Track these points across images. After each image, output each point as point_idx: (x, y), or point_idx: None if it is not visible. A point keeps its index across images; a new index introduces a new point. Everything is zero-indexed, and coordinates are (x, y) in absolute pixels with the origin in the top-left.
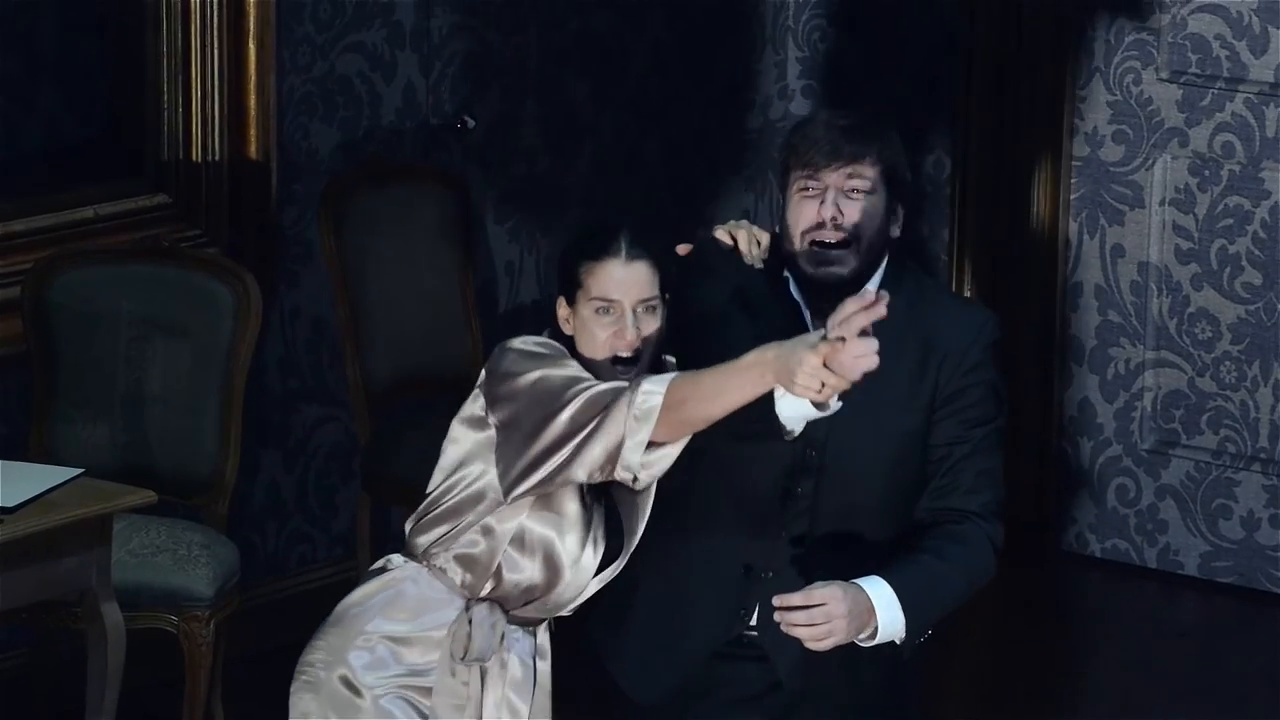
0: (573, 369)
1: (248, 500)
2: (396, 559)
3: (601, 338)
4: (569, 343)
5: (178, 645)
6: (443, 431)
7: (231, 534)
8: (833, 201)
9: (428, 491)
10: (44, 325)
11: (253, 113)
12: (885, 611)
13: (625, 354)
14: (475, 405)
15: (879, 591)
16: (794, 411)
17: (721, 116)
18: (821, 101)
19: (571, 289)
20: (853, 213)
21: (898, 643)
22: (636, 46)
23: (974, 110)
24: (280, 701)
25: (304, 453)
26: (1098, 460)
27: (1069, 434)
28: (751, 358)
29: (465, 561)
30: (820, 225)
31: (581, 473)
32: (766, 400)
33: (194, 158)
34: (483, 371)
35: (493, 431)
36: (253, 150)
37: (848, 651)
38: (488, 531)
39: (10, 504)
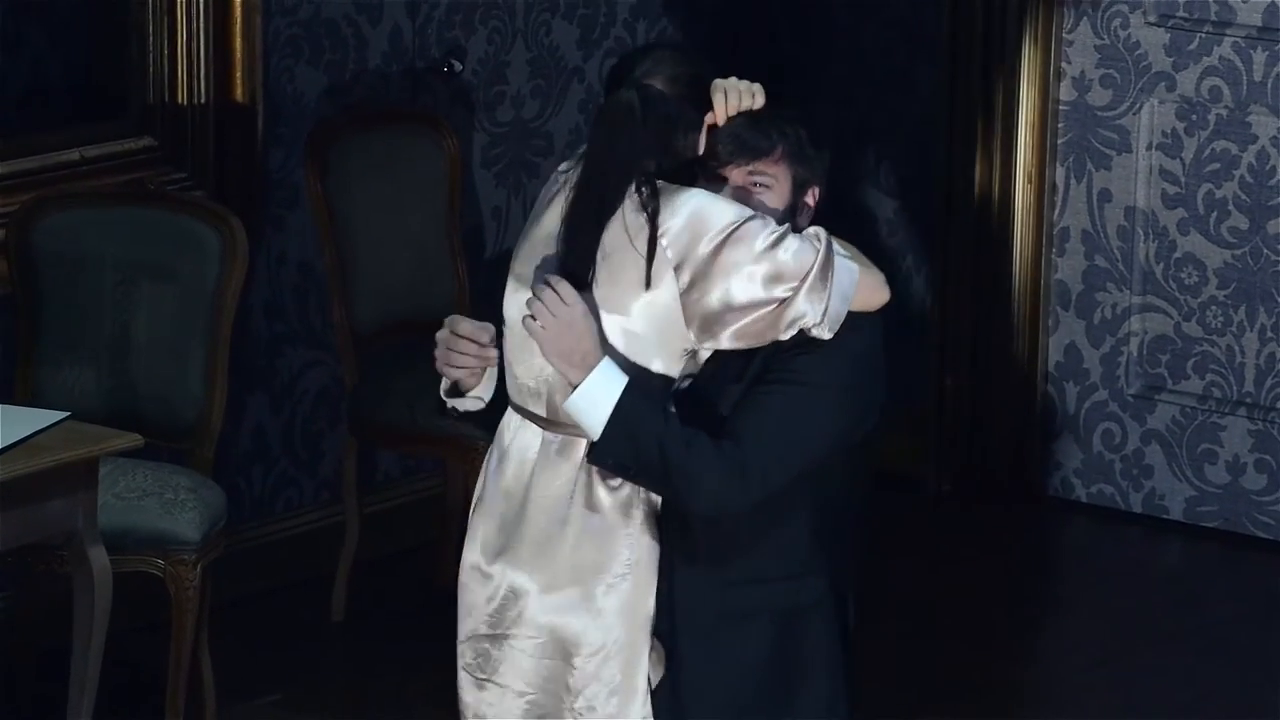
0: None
1: (234, 444)
2: None
3: None
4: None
5: (164, 589)
6: (429, 376)
7: (218, 478)
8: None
9: None
10: (29, 268)
11: (238, 55)
12: (598, 387)
13: None
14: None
15: (609, 375)
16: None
17: (709, 60)
18: (810, 44)
19: (709, 106)
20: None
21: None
22: None
23: (961, 54)
24: (266, 646)
25: (290, 397)
26: (1084, 405)
27: (1055, 379)
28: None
29: None
30: None
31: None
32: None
33: (179, 101)
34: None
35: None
36: (238, 93)
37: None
38: None
39: None
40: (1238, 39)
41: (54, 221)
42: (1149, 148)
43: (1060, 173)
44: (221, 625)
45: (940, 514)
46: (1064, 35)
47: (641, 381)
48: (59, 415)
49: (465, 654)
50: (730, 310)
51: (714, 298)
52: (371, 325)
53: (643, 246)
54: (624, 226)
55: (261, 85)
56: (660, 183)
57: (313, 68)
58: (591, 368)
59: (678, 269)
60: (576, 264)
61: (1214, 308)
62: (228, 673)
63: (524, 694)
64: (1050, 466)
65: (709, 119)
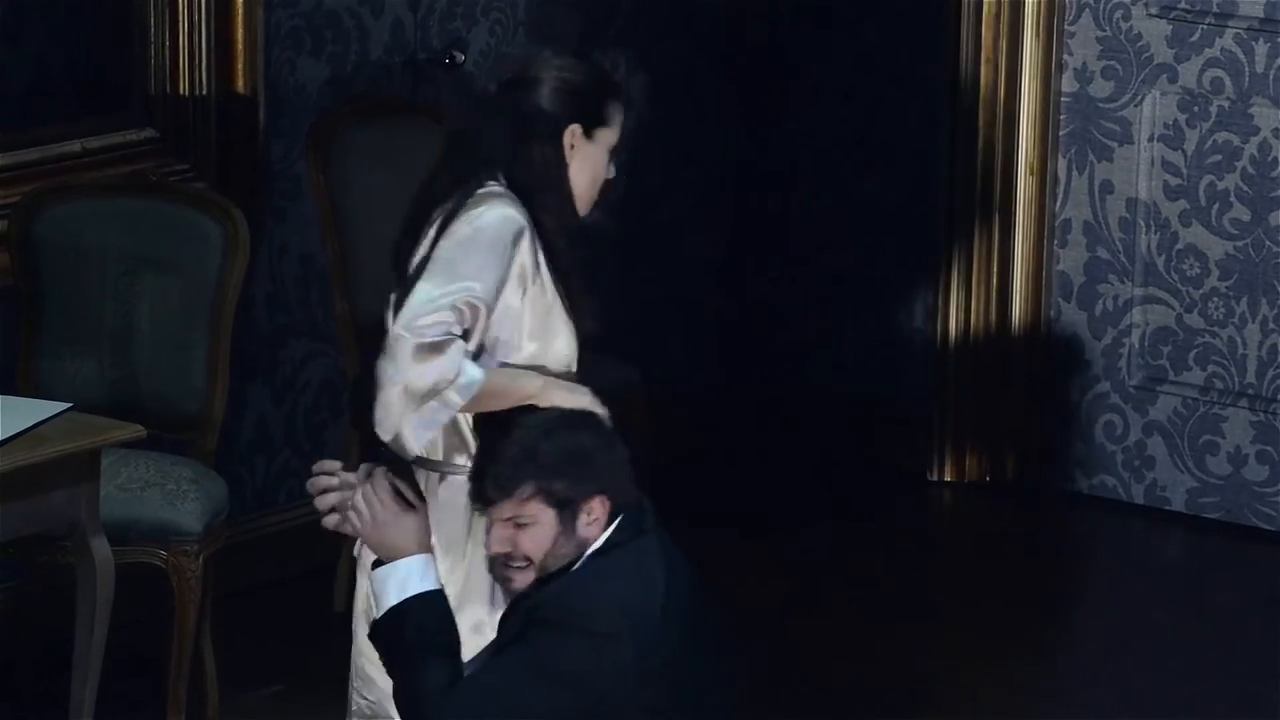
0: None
1: (236, 435)
2: None
3: (599, 178)
4: (564, 168)
5: (166, 580)
6: None
7: (220, 469)
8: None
9: None
10: (31, 260)
11: (240, 47)
12: (393, 577)
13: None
14: None
15: (409, 573)
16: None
17: (710, 54)
18: (812, 38)
19: (596, 121)
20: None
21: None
22: None
23: (964, 46)
24: (268, 636)
25: (292, 388)
26: (1085, 397)
27: (1056, 370)
28: (534, 376)
29: None
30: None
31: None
32: None
33: (181, 92)
34: None
35: None
36: (240, 84)
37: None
38: None
39: None
40: (1240, 31)
41: (56, 213)
42: (1151, 139)
43: (1062, 164)
44: (224, 616)
45: (940, 506)
46: (1066, 27)
47: (437, 600)
48: (61, 406)
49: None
50: None
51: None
52: (373, 317)
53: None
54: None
55: (263, 76)
56: (496, 188)
57: (314, 59)
58: (397, 557)
59: None
60: (400, 254)
61: (1216, 299)
62: (230, 663)
63: None
64: (1052, 458)
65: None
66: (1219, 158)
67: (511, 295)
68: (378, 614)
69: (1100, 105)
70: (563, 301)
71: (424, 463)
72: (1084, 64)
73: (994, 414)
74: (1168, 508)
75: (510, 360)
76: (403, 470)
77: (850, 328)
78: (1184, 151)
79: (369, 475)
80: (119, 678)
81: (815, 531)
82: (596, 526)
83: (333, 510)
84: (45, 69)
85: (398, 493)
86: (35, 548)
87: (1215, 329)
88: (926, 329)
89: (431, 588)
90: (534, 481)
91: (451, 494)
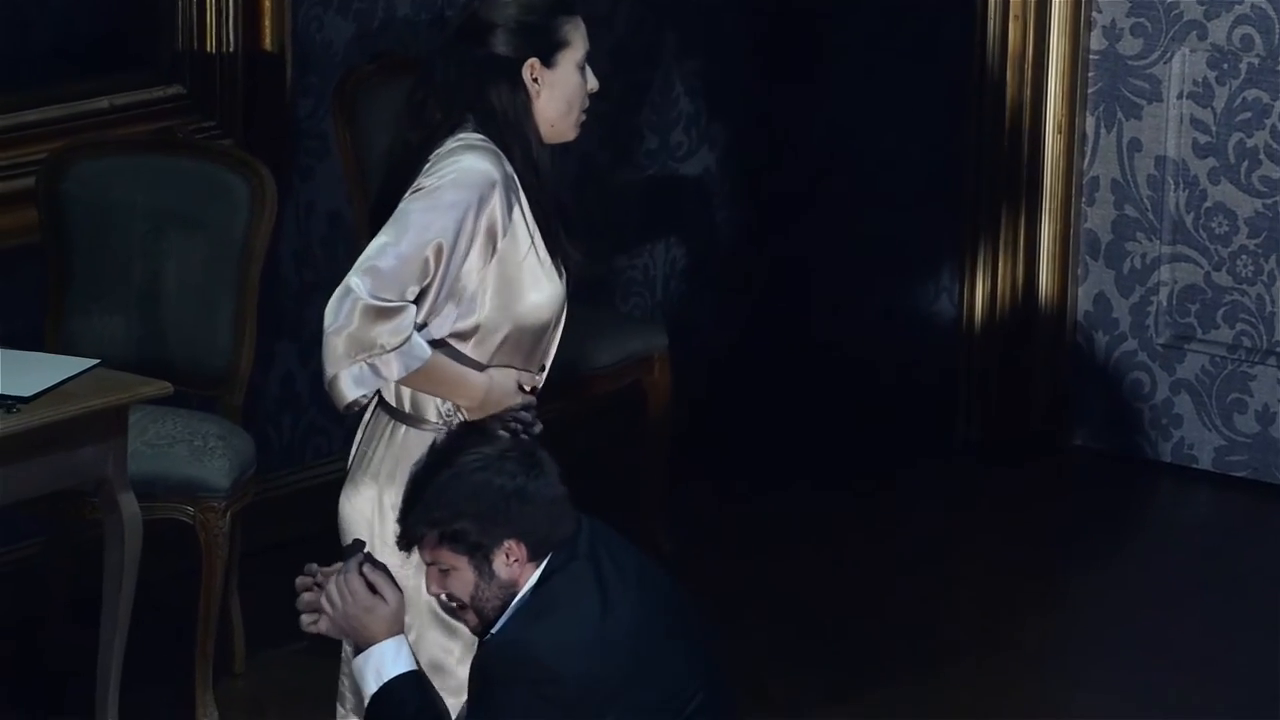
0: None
1: (263, 393)
2: None
3: (577, 98)
4: (525, 109)
5: (194, 536)
6: None
7: (247, 426)
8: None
9: None
10: (58, 216)
11: (267, 4)
12: (370, 665)
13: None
14: None
15: (383, 658)
16: None
17: (738, 11)
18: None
19: (552, 48)
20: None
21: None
22: None
23: (992, 4)
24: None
25: (319, 346)
26: (1113, 355)
27: (1084, 328)
28: (477, 380)
29: None
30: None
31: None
32: None
33: (208, 49)
34: None
35: None
36: (267, 42)
37: None
38: None
39: (26, 394)
40: None
41: (83, 170)
42: (1180, 97)
43: (1090, 122)
44: (251, 572)
45: (968, 464)
46: None
47: (413, 680)
48: (89, 362)
49: None
50: None
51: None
52: None
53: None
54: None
55: (290, 34)
56: (469, 138)
57: (341, 16)
58: (369, 646)
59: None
60: (375, 218)
61: (1244, 257)
62: (257, 619)
63: None
64: (1079, 416)
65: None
66: (1248, 115)
67: (479, 251)
68: (365, 700)
69: (1129, 63)
70: (546, 246)
71: (393, 412)
72: (1113, 21)
73: (1021, 372)
74: (1195, 466)
75: (467, 320)
76: (376, 561)
77: (877, 286)
78: (1213, 109)
79: (343, 570)
80: (147, 633)
81: (839, 490)
82: (518, 567)
83: (312, 611)
84: (72, 26)
85: (369, 584)
86: (63, 504)
87: (1244, 287)
88: (953, 287)
89: (406, 669)
90: (436, 530)
91: (421, 446)
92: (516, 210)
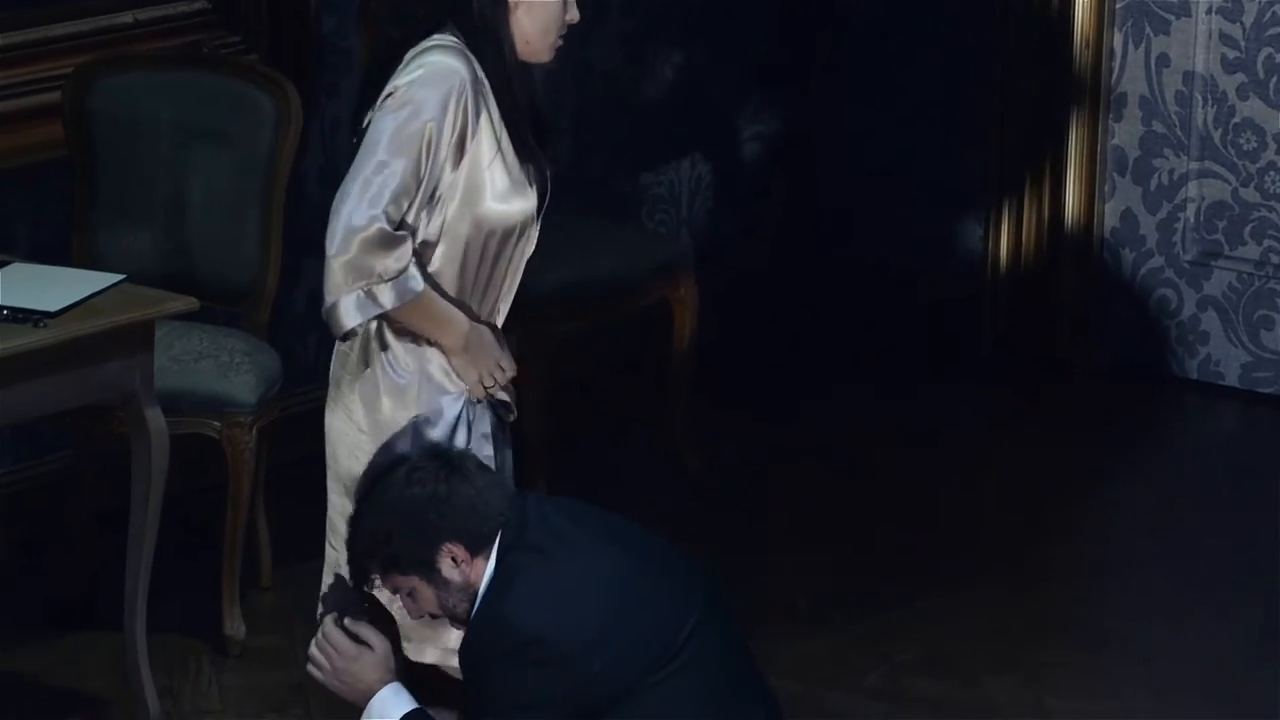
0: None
1: (288, 309)
2: None
3: (554, 23)
4: (502, 18)
5: (220, 451)
6: None
7: (273, 342)
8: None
9: None
10: (84, 131)
11: None
12: (389, 709)
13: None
14: None
15: (386, 704)
16: None
17: None
18: None
19: None
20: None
21: None
22: None
23: None
24: (322, 508)
25: None
26: (1139, 271)
27: (1111, 245)
28: (464, 323)
29: None
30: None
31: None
32: None
33: None
34: None
35: None
36: None
37: None
38: None
39: (53, 309)
40: None
41: (108, 84)
42: (1209, 11)
43: (1118, 38)
44: (278, 488)
45: (993, 380)
46: None
47: (422, 714)
48: (115, 277)
49: None
50: None
51: None
52: None
53: None
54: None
55: None
56: (443, 39)
57: None
58: (368, 697)
59: None
60: (357, 120)
61: (1272, 173)
62: (284, 534)
63: None
64: (1105, 333)
65: None
66: (1278, 30)
67: (453, 152)
68: None
69: None
70: (516, 153)
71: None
72: None
73: (1047, 289)
74: (1221, 383)
75: (434, 221)
76: (352, 609)
77: (903, 203)
78: (1242, 24)
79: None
80: (174, 548)
81: (863, 407)
82: (467, 566)
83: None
84: None
85: (351, 635)
86: (90, 419)
87: (1272, 203)
88: (980, 204)
89: (409, 709)
90: (375, 561)
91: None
92: (485, 115)
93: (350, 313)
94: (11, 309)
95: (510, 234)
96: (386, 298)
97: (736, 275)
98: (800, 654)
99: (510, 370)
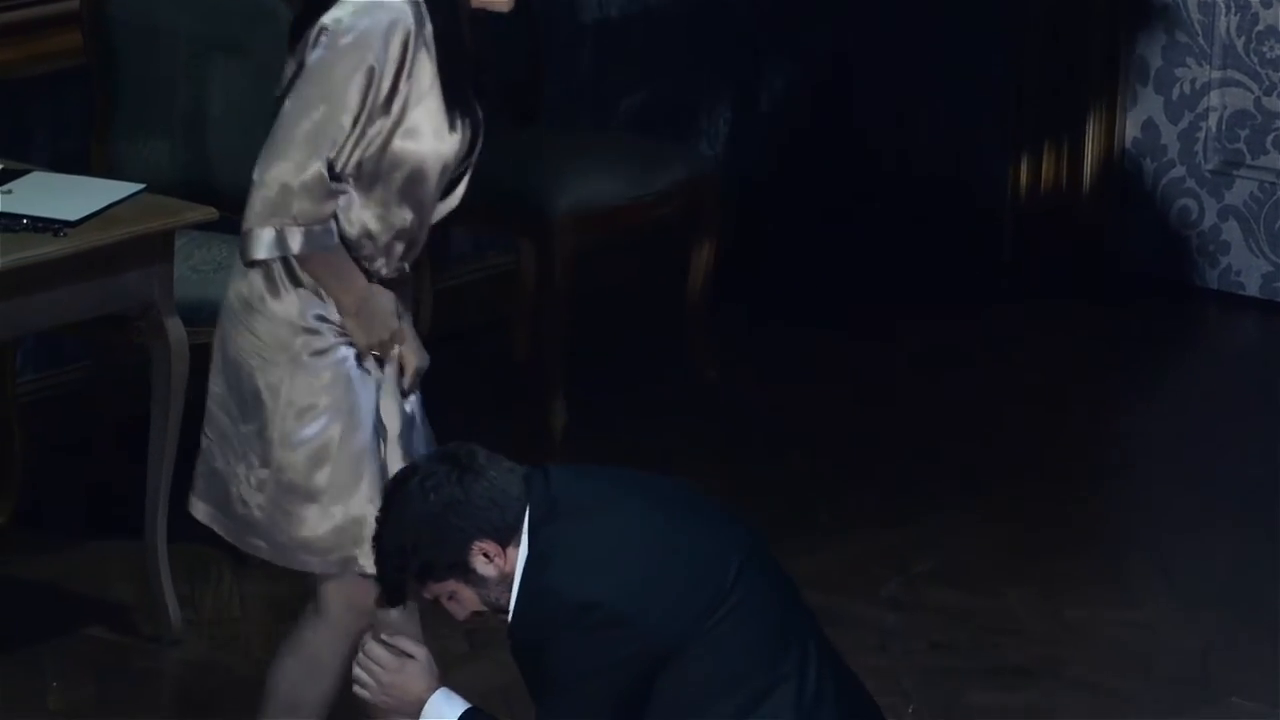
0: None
1: None
2: None
3: None
4: None
5: None
6: (502, 151)
7: None
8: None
9: None
10: (103, 40)
11: None
12: (444, 713)
13: None
14: None
15: (439, 708)
16: None
17: None
18: None
19: None
20: None
21: None
22: None
23: None
24: None
25: None
26: (1160, 181)
27: (1132, 155)
28: (364, 287)
29: None
30: None
31: None
32: None
33: None
34: None
35: None
36: None
37: None
38: None
39: (72, 218)
40: None
41: None
42: None
43: None
44: None
45: (1014, 290)
46: None
47: (476, 713)
48: (135, 187)
49: None
50: None
51: None
52: None
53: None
54: None
55: None
56: None
57: None
58: (420, 706)
59: None
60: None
61: None
62: None
63: None
64: (1126, 243)
65: None
66: None
67: (388, 86)
68: None
69: None
70: (444, 96)
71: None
72: None
73: (1068, 200)
74: (1242, 293)
75: (355, 153)
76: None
77: (925, 114)
78: None
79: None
80: (194, 456)
81: (887, 320)
82: (501, 559)
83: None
84: None
85: (391, 648)
86: (109, 328)
87: None
88: (1002, 112)
89: (463, 709)
90: (408, 574)
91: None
92: (424, 51)
93: (260, 246)
94: (32, 218)
95: (420, 177)
96: (296, 242)
97: (757, 185)
98: (820, 565)
99: (401, 346)
